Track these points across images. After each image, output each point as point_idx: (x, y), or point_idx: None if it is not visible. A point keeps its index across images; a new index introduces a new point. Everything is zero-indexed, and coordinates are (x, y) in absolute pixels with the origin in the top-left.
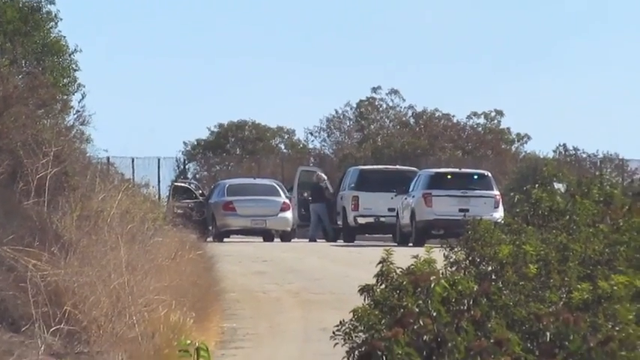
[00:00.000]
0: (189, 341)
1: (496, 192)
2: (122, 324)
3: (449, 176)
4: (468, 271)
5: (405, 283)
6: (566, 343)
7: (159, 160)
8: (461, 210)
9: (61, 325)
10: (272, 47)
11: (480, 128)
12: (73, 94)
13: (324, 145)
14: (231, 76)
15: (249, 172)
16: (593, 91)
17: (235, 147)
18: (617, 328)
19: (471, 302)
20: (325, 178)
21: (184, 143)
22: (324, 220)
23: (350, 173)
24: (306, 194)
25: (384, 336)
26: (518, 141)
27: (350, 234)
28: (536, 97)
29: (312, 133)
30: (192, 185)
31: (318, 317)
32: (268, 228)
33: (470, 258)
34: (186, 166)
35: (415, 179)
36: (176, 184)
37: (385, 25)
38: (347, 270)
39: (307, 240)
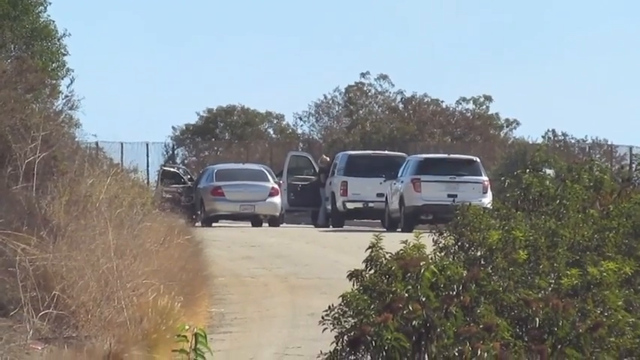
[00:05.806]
0: (187, 326)
1: (484, 177)
2: (110, 308)
3: (438, 162)
4: (457, 257)
5: (394, 268)
6: (555, 328)
7: (147, 145)
8: (449, 195)
9: (50, 310)
10: (261, 32)
11: (469, 114)
12: (62, 79)
13: (312, 130)
14: (220, 62)
15: (237, 157)
16: (581, 76)
17: (224, 132)
18: (606, 314)
19: (460, 288)
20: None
21: (173, 128)
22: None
23: (339, 158)
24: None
25: (373, 321)
26: (507, 126)
27: (339, 219)
28: (525, 82)
29: (300, 118)
30: (180, 170)
31: (306, 302)
32: (257, 213)
33: (459, 243)
34: (175, 151)
35: (404, 165)
36: (165, 168)
37: (374, 10)
38: (336, 255)
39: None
